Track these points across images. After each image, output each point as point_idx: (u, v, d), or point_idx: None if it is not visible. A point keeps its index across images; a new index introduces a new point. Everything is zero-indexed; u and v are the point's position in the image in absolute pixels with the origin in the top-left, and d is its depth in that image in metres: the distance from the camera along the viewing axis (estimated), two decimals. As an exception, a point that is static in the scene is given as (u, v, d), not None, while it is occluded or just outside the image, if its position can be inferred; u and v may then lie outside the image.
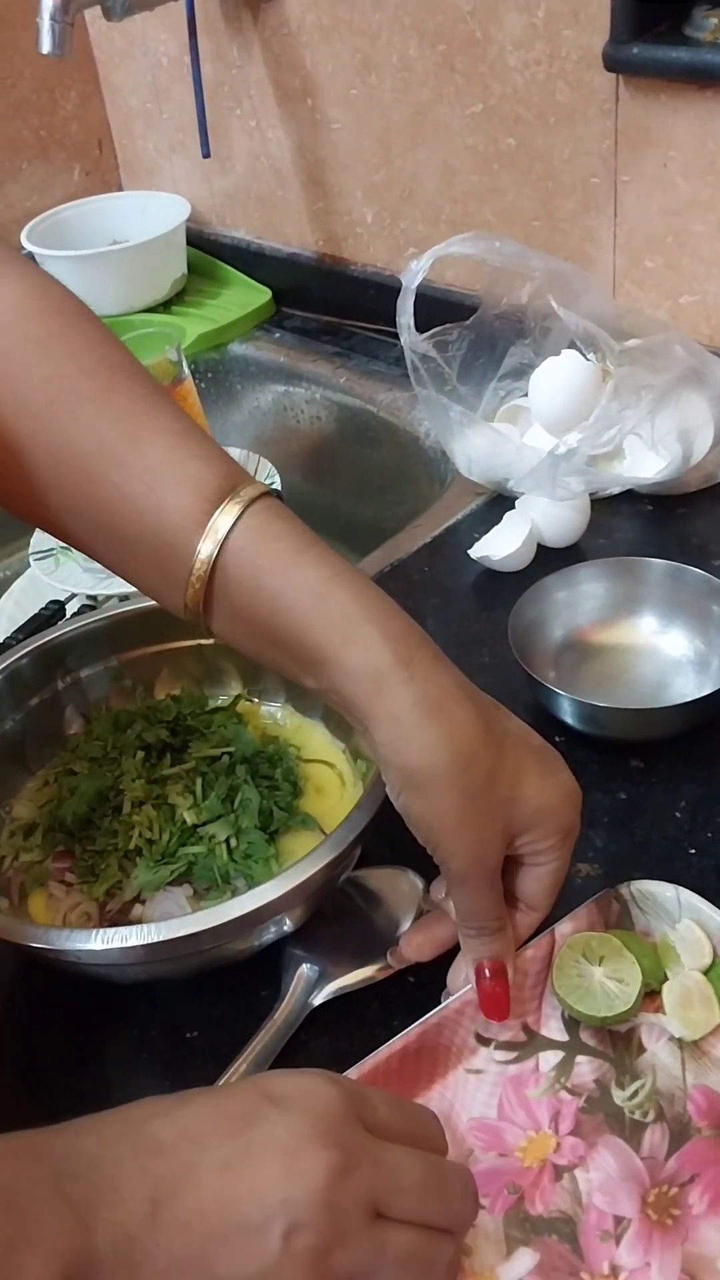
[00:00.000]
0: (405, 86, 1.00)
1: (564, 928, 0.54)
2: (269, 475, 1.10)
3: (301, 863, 0.52)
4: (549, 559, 0.81)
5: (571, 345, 0.83)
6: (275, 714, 0.69)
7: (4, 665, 0.63)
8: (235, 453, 1.11)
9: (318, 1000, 0.54)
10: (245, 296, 1.24)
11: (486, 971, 0.51)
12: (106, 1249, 0.35)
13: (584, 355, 0.82)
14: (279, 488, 1.06)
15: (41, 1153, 0.37)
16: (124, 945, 0.50)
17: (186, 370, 0.99)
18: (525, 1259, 0.45)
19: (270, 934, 0.55)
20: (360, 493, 1.17)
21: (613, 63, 0.83)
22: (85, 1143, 0.38)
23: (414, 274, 0.80)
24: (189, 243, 1.27)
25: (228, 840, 0.59)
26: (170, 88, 1.22)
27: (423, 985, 0.55)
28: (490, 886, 0.50)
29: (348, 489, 1.18)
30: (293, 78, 1.09)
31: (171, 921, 0.53)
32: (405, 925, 0.58)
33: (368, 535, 1.18)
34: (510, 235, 0.90)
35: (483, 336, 0.86)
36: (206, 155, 1.12)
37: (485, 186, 0.99)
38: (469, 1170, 0.43)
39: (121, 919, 0.58)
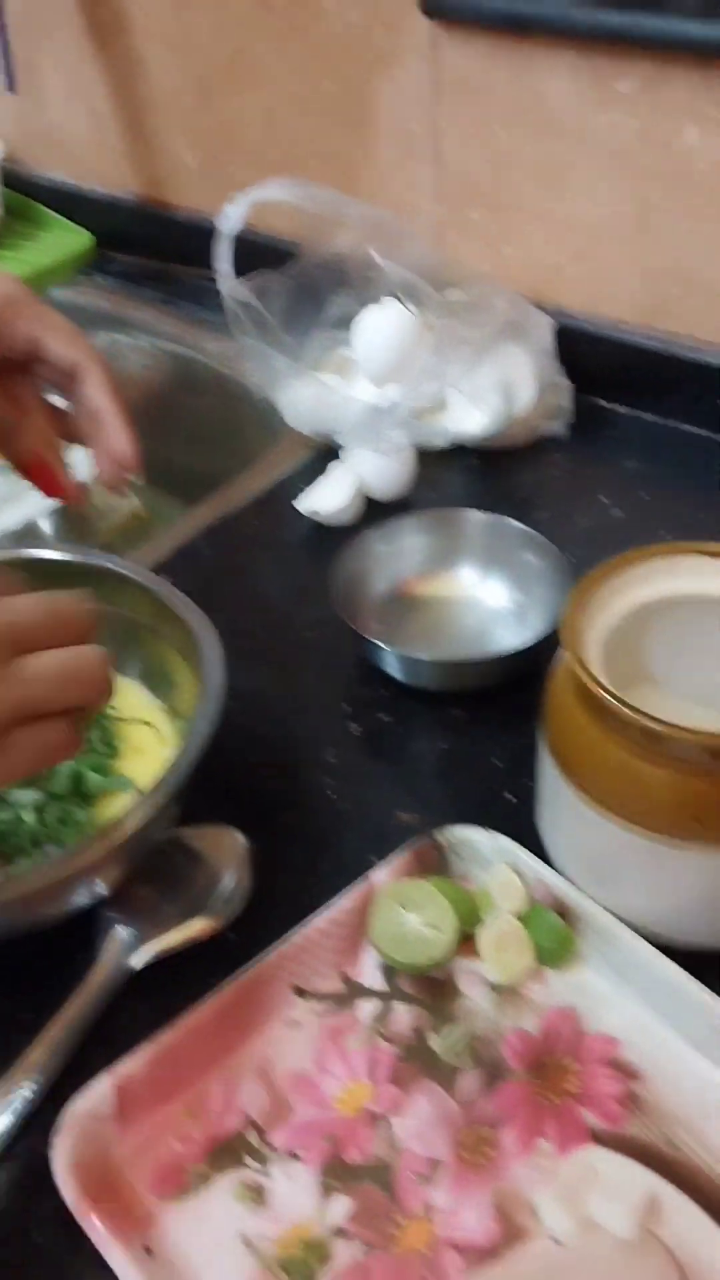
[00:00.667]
0: (220, 26, 0.97)
1: (380, 875, 0.55)
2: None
3: (111, 826, 0.51)
4: (378, 513, 0.80)
5: (394, 295, 0.83)
6: (93, 673, 0.67)
7: None
8: (59, 402, 1.07)
9: (137, 962, 0.53)
10: (65, 240, 1.19)
11: (29, 464, 0.57)
12: None
13: (406, 306, 0.82)
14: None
15: None
16: None
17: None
18: (342, 1205, 0.45)
19: (82, 897, 0.54)
20: (191, 443, 1.14)
21: (429, 6, 0.82)
22: None
23: (230, 219, 0.78)
24: (6, 184, 1.21)
25: (37, 805, 0.58)
26: (-21, 18, 1.16)
27: (244, 943, 0.55)
28: None
29: (179, 440, 1.15)
30: (105, 12, 1.04)
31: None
32: (226, 883, 0.57)
33: (201, 486, 1.16)
34: (333, 182, 0.88)
35: (305, 285, 0.85)
36: (12, 90, 1.06)
37: (309, 131, 0.97)
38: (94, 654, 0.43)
39: (-71, 890, 0.56)
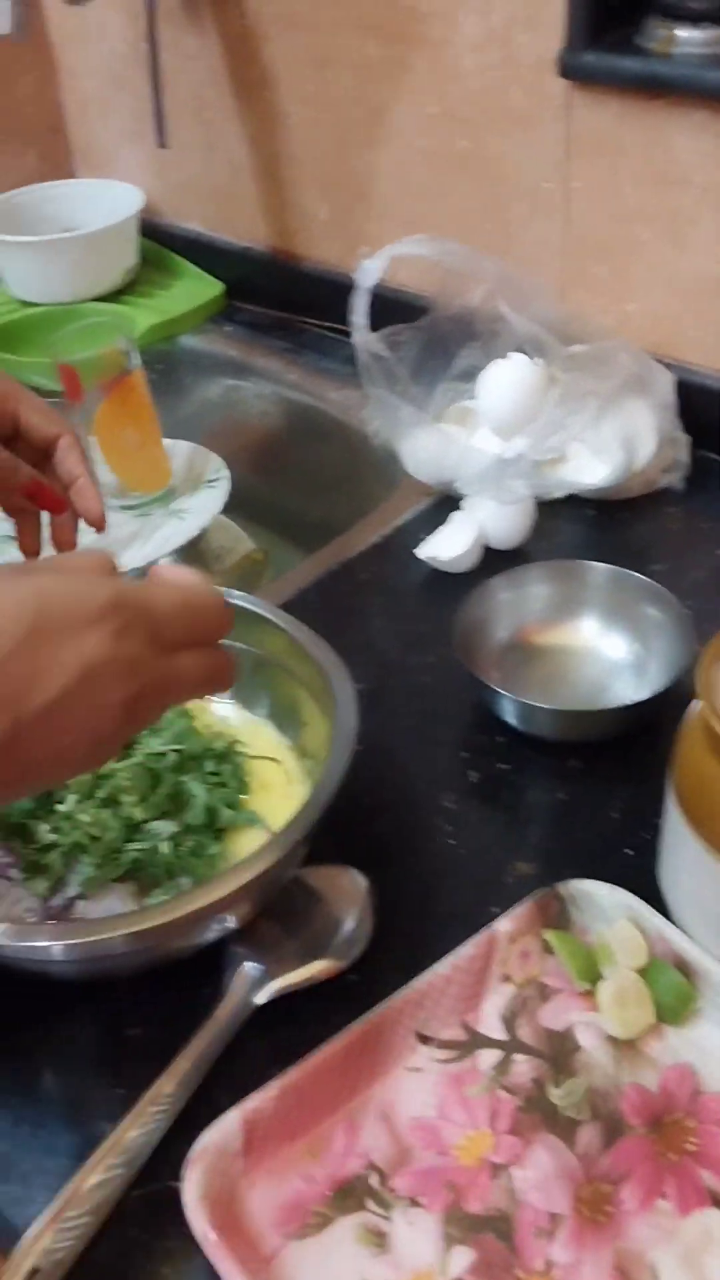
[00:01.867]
0: (360, 84, 1.00)
1: (503, 925, 0.55)
2: (217, 469, 1.10)
3: (246, 862, 0.52)
4: (495, 561, 0.81)
5: (520, 349, 0.84)
6: (221, 710, 0.69)
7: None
8: (183, 446, 1.10)
9: (260, 999, 0.55)
10: (197, 289, 1.24)
11: (30, 492, 0.66)
12: None
13: (531, 359, 0.83)
14: (228, 482, 1.06)
15: None
16: (66, 943, 0.50)
17: (137, 360, 0.98)
18: (462, 1256, 0.45)
19: (213, 932, 0.55)
20: (308, 490, 1.17)
21: (566, 69, 0.84)
22: None
23: (369, 272, 0.80)
24: (142, 233, 1.26)
25: (173, 837, 0.59)
26: (127, 75, 1.21)
27: (364, 984, 0.56)
28: None
29: (295, 486, 1.18)
30: (250, 70, 1.08)
31: (112, 919, 0.54)
32: (348, 925, 0.58)
33: (315, 532, 1.18)
34: (462, 237, 0.90)
35: (435, 338, 0.87)
36: (163, 145, 1.11)
37: (439, 188, 0.99)
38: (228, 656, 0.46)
39: (64, 916, 0.58)
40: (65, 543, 0.73)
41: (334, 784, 0.55)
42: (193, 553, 1.10)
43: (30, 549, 0.73)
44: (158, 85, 1.08)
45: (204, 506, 1.01)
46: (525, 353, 0.82)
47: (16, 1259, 0.47)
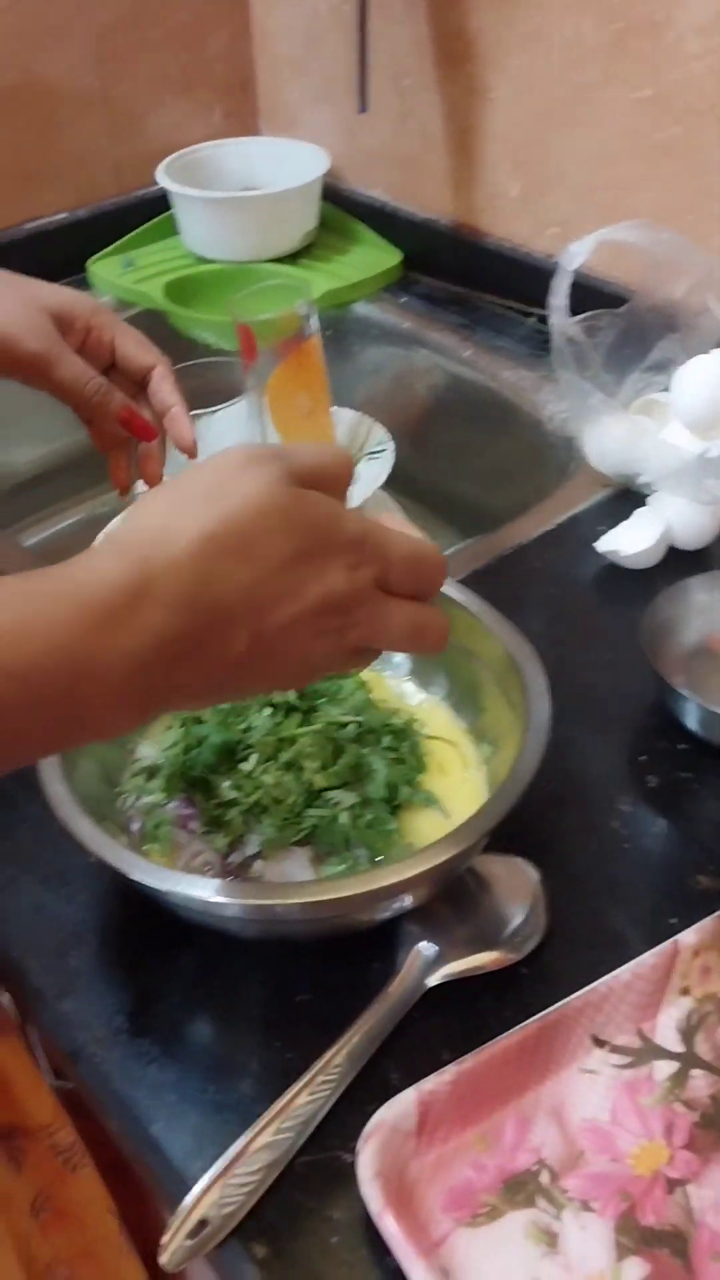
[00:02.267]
0: (571, 63, 0.98)
1: (687, 938, 0.54)
2: (381, 441, 1.09)
3: (438, 845, 0.52)
4: (677, 561, 0.80)
5: (722, 346, 0.82)
6: (398, 687, 0.69)
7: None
8: (347, 414, 1.10)
9: (433, 981, 0.54)
10: (375, 257, 1.23)
11: (123, 418, 0.68)
12: (179, 690, 0.40)
13: (737, 358, 0.80)
14: (392, 454, 1.05)
15: (128, 627, 0.39)
16: (253, 902, 0.50)
17: (315, 325, 0.98)
18: (636, 1268, 0.45)
19: (391, 910, 0.55)
20: (469, 470, 1.15)
21: None
22: (169, 624, 0.39)
23: (574, 256, 0.78)
24: (324, 196, 1.25)
25: (353, 808, 0.59)
26: (325, 37, 1.21)
27: (535, 979, 0.55)
28: (68, 353, 0.66)
29: (456, 464, 1.17)
30: (455, 41, 1.07)
31: (306, 884, 0.54)
32: (517, 918, 0.58)
33: (467, 513, 1.17)
34: (661, 226, 0.88)
35: (633, 326, 0.85)
36: (363, 109, 1.10)
37: (642, 174, 0.97)
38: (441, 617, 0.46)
39: (241, 873, 0.58)
40: (153, 475, 0.73)
41: (527, 776, 0.54)
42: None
43: (122, 483, 0.75)
44: (364, 48, 1.07)
45: (366, 477, 1.01)
46: (729, 350, 0.80)
47: (186, 1209, 0.47)
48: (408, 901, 0.55)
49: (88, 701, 0.38)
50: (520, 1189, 0.47)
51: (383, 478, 0.99)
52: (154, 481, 0.74)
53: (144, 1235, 0.86)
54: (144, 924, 0.59)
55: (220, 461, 0.43)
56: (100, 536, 0.40)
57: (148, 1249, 0.88)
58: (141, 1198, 0.84)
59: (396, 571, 0.44)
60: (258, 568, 0.40)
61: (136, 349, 0.70)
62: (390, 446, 1.06)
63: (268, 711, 0.64)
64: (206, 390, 1.01)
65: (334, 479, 0.44)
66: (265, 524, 0.40)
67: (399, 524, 0.47)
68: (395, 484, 1.02)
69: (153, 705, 0.40)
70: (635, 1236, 0.46)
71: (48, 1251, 0.67)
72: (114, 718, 0.39)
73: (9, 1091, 0.63)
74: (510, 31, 1.01)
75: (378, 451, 1.03)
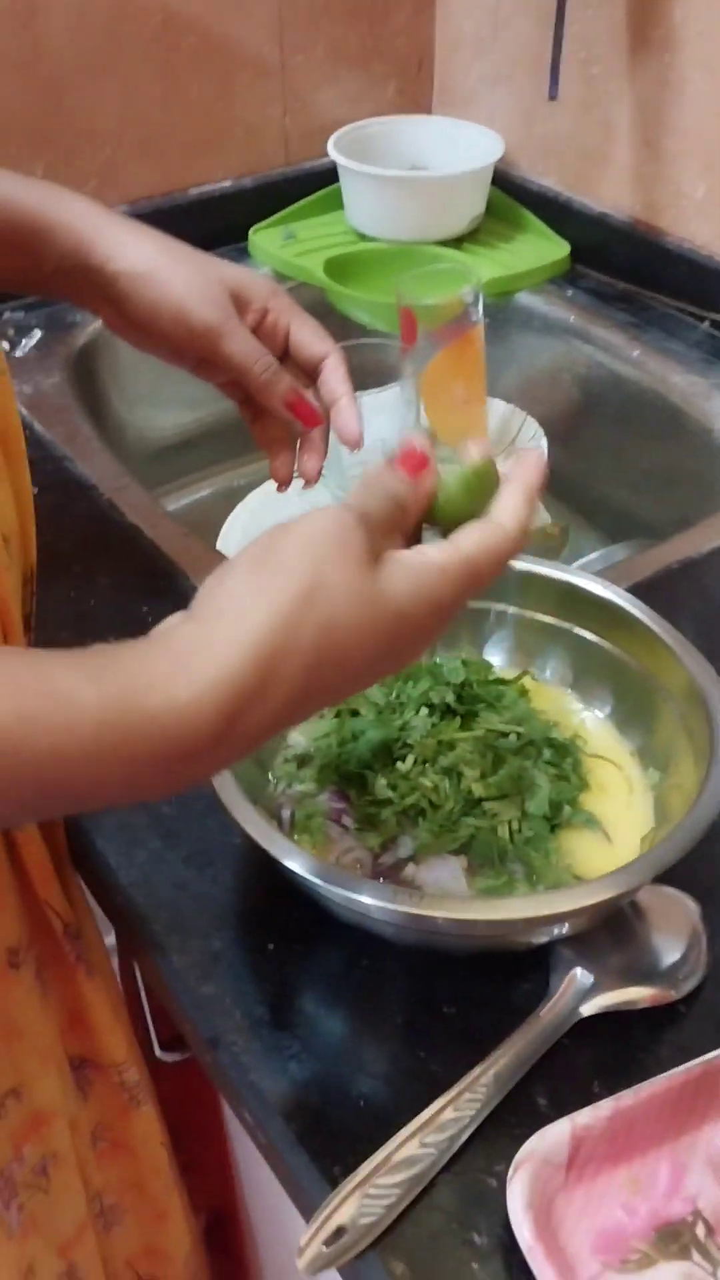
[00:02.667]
0: (785, 60, 0.94)
1: None
2: (533, 435, 1.07)
3: (609, 879, 0.50)
4: None
5: None
6: (559, 699, 0.67)
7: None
8: (500, 405, 1.08)
9: (587, 1011, 0.53)
10: (543, 248, 1.20)
11: (290, 402, 0.67)
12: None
13: None
14: (545, 449, 1.02)
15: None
16: (411, 911, 0.49)
17: (481, 314, 0.95)
18: None
19: (549, 937, 0.54)
20: (622, 474, 1.12)
21: None
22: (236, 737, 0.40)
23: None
24: (493, 181, 1.22)
25: (511, 822, 0.58)
26: (512, 18, 1.18)
27: (695, 1019, 0.53)
28: (242, 329, 0.66)
29: (609, 467, 1.14)
30: (654, 29, 1.03)
31: (466, 901, 0.52)
32: (676, 952, 0.56)
33: (615, 518, 1.14)
34: None
35: None
36: (554, 96, 1.07)
37: None
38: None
39: (393, 875, 0.57)
40: (311, 471, 0.72)
41: (708, 819, 0.52)
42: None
43: (283, 478, 0.73)
44: (560, 33, 1.04)
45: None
46: None
47: (325, 1214, 0.46)
48: (567, 930, 0.53)
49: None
50: (674, 1239, 0.45)
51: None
52: (311, 479, 0.72)
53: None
54: (289, 913, 0.58)
55: (311, 552, 0.41)
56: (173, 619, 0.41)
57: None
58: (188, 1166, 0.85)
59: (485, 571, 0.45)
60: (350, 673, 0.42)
61: (312, 337, 0.69)
62: (543, 442, 1.04)
63: (425, 711, 0.63)
64: (360, 372, 0.99)
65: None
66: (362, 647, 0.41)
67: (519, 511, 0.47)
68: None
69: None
70: None
71: (99, 1180, 0.68)
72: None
73: (87, 1025, 0.63)
74: (718, 25, 0.97)
75: (530, 446, 1.01)
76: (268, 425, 0.71)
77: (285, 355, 0.70)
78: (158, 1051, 0.79)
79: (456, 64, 1.29)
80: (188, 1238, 0.73)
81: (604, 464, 1.14)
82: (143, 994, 0.77)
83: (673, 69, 1.03)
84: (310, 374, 0.69)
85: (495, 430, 1.07)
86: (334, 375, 0.68)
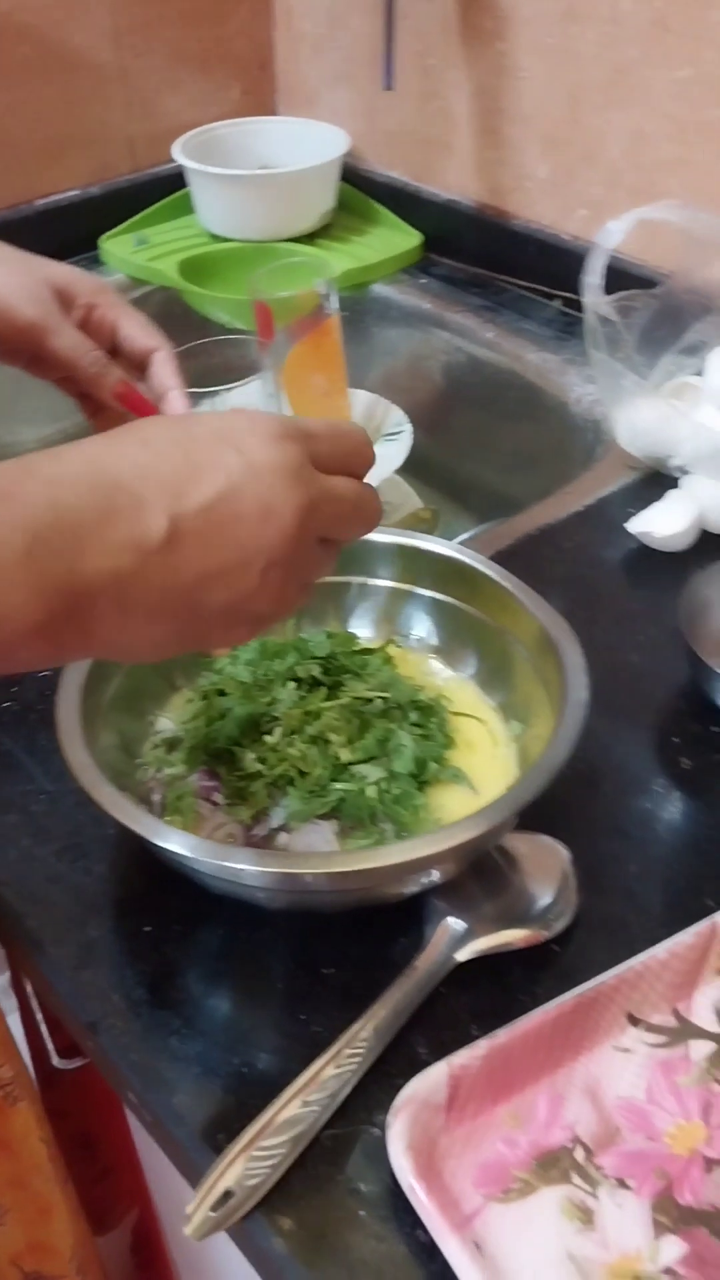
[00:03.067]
0: (610, 41, 0.96)
1: (725, 918, 0.53)
2: (399, 423, 1.08)
3: (470, 820, 0.50)
4: (709, 544, 0.79)
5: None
6: (425, 664, 0.68)
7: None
8: (364, 395, 1.09)
9: (462, 957, 0.53)
10: (394, 238, 1.22)
11: (120, 393, 0.66)
12: (95, 589, 0.38)
13: (771, 340, 0.79)
14: (410, 437, 1.04)
15: (12, 503, 0.37)
16: (284, 870, 0.49)
17: (335, 306, 0.97)
18: (674, 1246, 0.44)
19: (419, 885, 0.54)
20: (488, 454, 1.14)
21: None
22: (58, 497, 0.38)
23: (612, 234, 0.77)
24: (342, 177, 1.24)
25: (379, 782, 0.58)
26: (348, 16, 1.19)
27: (568, 957, 0.54)
28: (67, 324, 0.65)
29: (475, 448, 1.15)
30: (485, 18, 1.05)
31: (335, 855, 0.53)
32: (547, 895, 0.57)
33: (486, 498, 1.16)
34: (702, 207, 0.87)
35: (667, 308, 0.84)
36: (389, 88, 1.09)
37: (677, 156, 0.96)
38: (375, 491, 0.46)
39: (266, 845, 0.57)
40: None
41: (562, 757, 0.53)
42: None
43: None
44: (391, 24, 1.05)
45: (383, 459, 1.00)
46: (765, 332, 0.79)
47: (210, 1180, 0.46)
48: (436, 876, 0.54)
49: None
50: (554, 1165, 0.46)
51: (400, 460, 0.98)
52: None
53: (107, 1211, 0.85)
54: (165, 895, 0.58)
55: (251, 422, 0.42)
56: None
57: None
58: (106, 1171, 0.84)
59: (324, 444, 0.44)
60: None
61: (139, 331, 0.69)
62: (408, 429, 1.05)
63: (292, 685, 0.63)
64: (222, 368, 1.00)
65: (359, 463, 0.46)
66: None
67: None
68: (411, 467, 1.01)
69: (64, 611, 0.38)
70: (673, 1215, 0.45)
71: None
72: (20, 626, 0.37)
73: None
74: (546, 10, 1.00)
75: (395, 434, 1.02)
76: (108, 419, 0.71)
77: (115, 350, 0.70)
78: (55, 1061, 0.78)
79: (297, 63, 1.30)
80: (74, 1231, 0.72)
81: (470, 446, 1.16)
82: (34, 1002, 0.76)
83: (506, 56, 1.06)
84: (140, 368, 0.70)
85: (361, 419, 1.07)
86: (163, 368, 0.68)
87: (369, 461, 0.47)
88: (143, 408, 0.69)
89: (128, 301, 0.70)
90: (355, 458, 0.46)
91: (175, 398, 0.69)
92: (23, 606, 0.37)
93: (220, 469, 0.41)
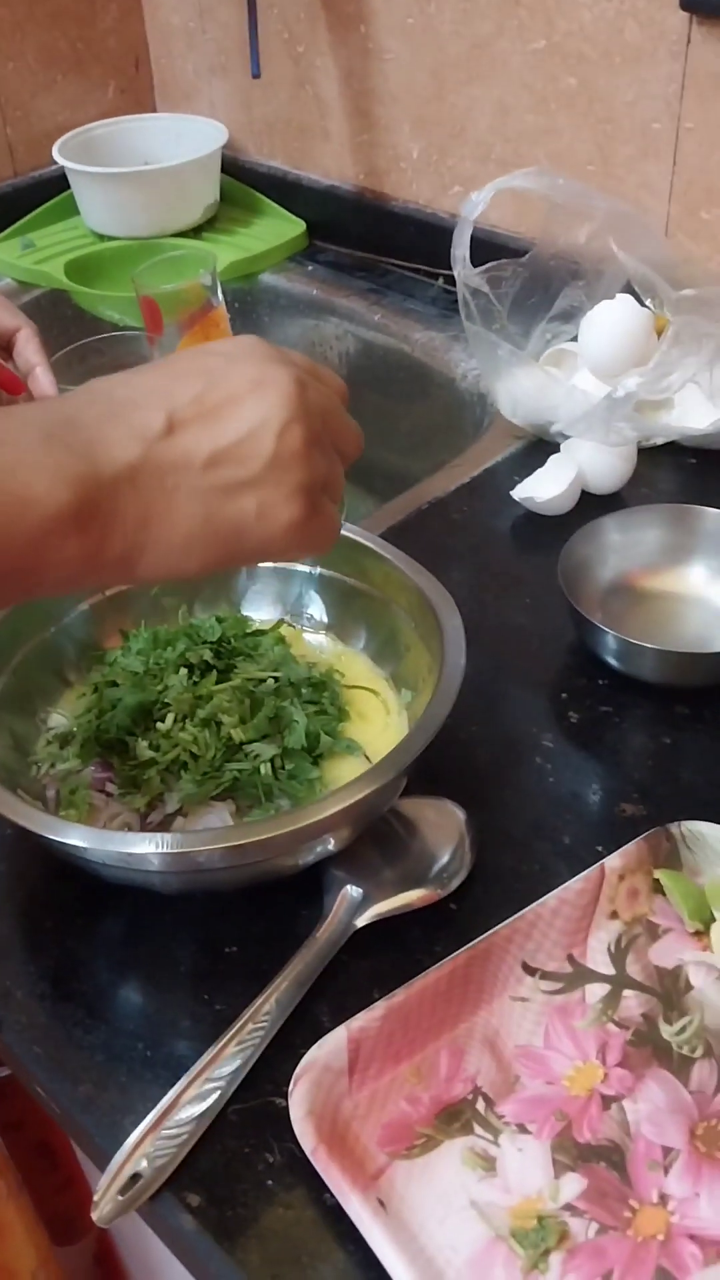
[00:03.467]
0: (466, 18, 0.97)
1: (613, 862, 0.54)
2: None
3: (352, 785, 0.51)
4: (592, 505, 0.80)
5: (626, 290, 0.82)
6: (316, 640, 0.68)
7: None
8: None
9: (361, 922, 0.54)
10: (278, 227, 1.22)
11: None
12: (110, 477, 0.39)
13: (639, 301, 0.81)
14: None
15: (20, 413, 0.40)
16: (174, 850, 0.49)
17: (220, 298, 0.97)
18: (574, 1183, 0.45)
19: (315, 854, 0.55)
20: (386, 436, 1.15)
21: (689, 2, 0.82)
22: (60, 409, 0.40)
23: (474, 205, 0.78)
24: (223, 169, 1.24)
25: (273, 760, 0.59)
26: (215, 8, 1.19)
27: (465, 914, 0.55)
28: None
29: (373, 431, 1.14)
30: (347, 3, 1.06)
31: (226, 829, 0.53)
32: (445, 856, 0.57)
33: (388, 480, 1.17)
34: (560, 172, 0.88)
35: (536, 275, 0.85)
36: (257, 75, 1.09)
37: (540, 126, 0.97)
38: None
39: (163, 830, 0.57)
40: None
41: (442, 715, 0.54)
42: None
43: None
44: (254, 12, 1.06)
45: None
46: (633, 294, 0.80)
47: (117, 1164, 0.46)
48: (331, 845, 0.55)
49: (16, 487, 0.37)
50: (456, 1118, 0.47)
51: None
52: None
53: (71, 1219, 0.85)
54: (66, 890, 0.58)
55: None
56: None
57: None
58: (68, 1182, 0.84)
59: (331, 419, 0.46)
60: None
61: (2, 314, 0.71)
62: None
63: (184, 672, 0.63)
64: (113, 365, 0.99)
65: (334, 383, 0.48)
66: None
67: None
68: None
69: (88, 501, 0.38)
70: (572, 1154, 0.45)
71: None
72: (48, 512, 0.37)
73: None
74: (401, -10, 1.01)
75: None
76: None
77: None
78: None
79: (171, 59, 1.30)
80: (33, 1251, 0.72)
81: (368, 430, 1.14)
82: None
83: (370, 39, 1.06)
84: (4, 349, 0.71)
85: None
86: (27, 347, 0.70)
87: (358, 447, 0.48)
88: (12, 385, 0.71)
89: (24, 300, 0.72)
90: (350, 437, 0.48)
91: (41, 374, 0.71)
92: (49, 492, 0.37)
93: (201, 369, 0.42)
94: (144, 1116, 0.48)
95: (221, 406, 0.42)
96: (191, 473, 0.41)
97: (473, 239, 0.82)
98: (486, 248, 0.87)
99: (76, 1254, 0.94)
